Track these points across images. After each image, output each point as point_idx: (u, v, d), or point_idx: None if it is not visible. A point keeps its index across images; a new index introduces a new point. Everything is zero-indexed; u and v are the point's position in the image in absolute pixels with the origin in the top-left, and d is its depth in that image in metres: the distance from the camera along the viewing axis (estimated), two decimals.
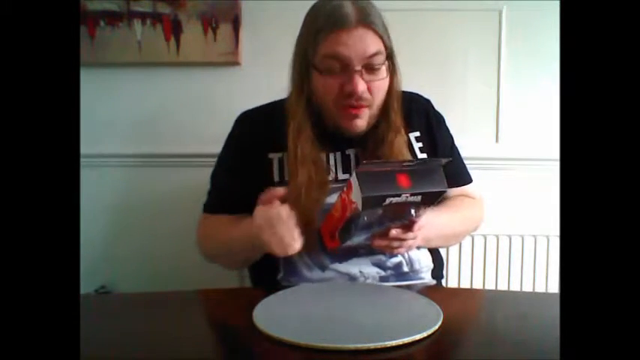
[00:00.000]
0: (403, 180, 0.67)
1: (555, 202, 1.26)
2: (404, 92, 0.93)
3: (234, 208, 0.90)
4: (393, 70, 0.87)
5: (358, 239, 0.77)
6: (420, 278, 0.93)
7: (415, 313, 0.68)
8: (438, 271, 0.97)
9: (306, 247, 0.81)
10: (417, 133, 0.96)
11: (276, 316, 0.64)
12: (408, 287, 0.89)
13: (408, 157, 0.90)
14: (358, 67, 0.81)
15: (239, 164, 0.94)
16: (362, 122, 0.86)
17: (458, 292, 1.08)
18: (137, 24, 1.37)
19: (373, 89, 0.84)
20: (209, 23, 1.37)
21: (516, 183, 1.43)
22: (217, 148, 1.32)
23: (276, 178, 0.90)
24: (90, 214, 1.31)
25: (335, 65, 0.82)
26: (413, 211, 0.74)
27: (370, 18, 0.82)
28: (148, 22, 1.37)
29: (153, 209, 1.43)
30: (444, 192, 0.71)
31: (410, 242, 0.79)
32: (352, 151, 0.92)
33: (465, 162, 1.09)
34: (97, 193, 1.41)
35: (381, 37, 0.83)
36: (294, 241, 0.76)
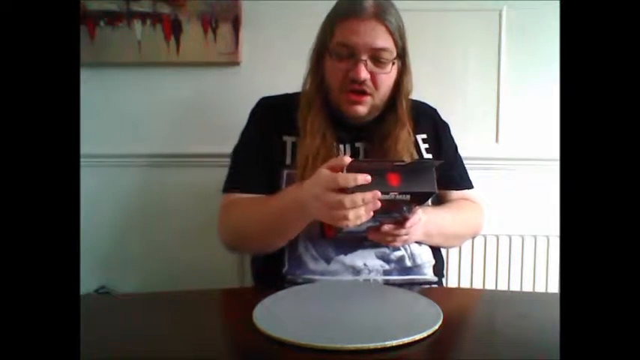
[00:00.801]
0: (393, 179, 0.69)
1: (555, 202, 1.26)
2: (412, 100, 0.97)
3: (252, 185, 0.92)
4: (403, 70, 0.92)
5: (352, 230, 0.78)
6: (423, 273, 0.94)
7: (415, 313, 0.68)
8: (439, 269, 0.98)
9: (309, 233, 0.86)
10: (424, 135, 1.00)
11: (276, 316, 0.64)
12: (411, 283, 0.90)
13: (413, 152, 0.94)
14: (364, 57, 0.86)
15: (257, 142, 0.96)
16: (362, 109, 0.90)
17: (458, 292, 1.09)
18: (137, 24, 1.37)
19: (376, 81, 0.89)
20: (209, 23, 1.37)
21: (516, 183, 1.43)
22: (217, 148, 1.33)
23: (287, 160, 0.93)
24: (90, 215, 1.31)
25: (344, 51, 0.87)
26: (405, 209, 0.75)
27: (386, 15, 0.87)
28: (148, 22, 1.37)
29: (153, 209, 1.43)
30: (433, 193, 0.72)
31: (403, 238, 0.81)
32: (362, 144, 0.95)
33: (465, 162, 1.09)
34: (97, 194, 1.41)
35: (392, 35, 0.87)
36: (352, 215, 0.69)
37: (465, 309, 0.79)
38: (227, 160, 0.99)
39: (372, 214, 0.69)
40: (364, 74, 0.86)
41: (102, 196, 1.42)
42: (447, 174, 0.99)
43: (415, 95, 0.98)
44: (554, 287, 1.41)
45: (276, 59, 1.40)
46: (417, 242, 0.92)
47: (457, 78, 1.42)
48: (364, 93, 0.89)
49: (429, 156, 0.98)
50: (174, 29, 1.37)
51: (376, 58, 0.87)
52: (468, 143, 1.13)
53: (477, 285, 1.43)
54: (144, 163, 1.43)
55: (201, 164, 1.41)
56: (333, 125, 0.92)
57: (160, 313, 0.73)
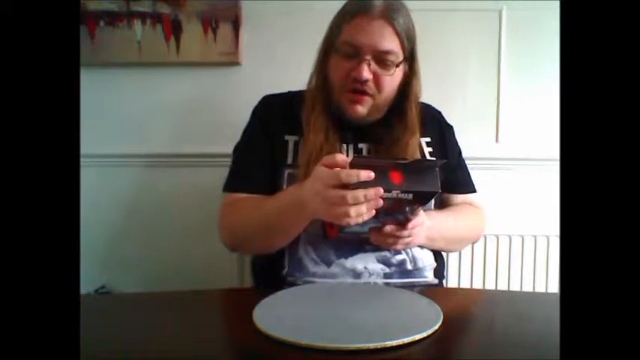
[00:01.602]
0: (395, 177, 0.68)
1: (555, 202, 1.26)
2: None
3: (253, 184, 0.91)
4: (411, 75, 0.92)
5: (355, 229, 0.78)
6: (424, 277, 0.93)
7: (415, 313, 0.68)
8: (440, 271, 0.97)
9: (310, 236, 0.86)
10: (428, 139, 0.99)
11: (276, 316, 0.64)
12: (411, 286, 0.90)
13: (418, 156, 0.92)
14: (368, 57, 0.85)
15: (258, 141, 0.95)
16: (362, 109, 0.89)
17: (458, 292, 1.09)
18: (137, 24, 1.37)
19: (379, 82, 0.88)
20: (209, 23, 1.37)
21: (516, 183, 1.43)
22: (218, 148, 1.33)
23: (289, 160, 0.92)
24: (90, 215, 1.31)
25: (349, 50, 0.86)
26: (408, 209, 0.74)
27: (394, 15, 0.86)
28: (148, 22, 1.37)
29: (153, 209, 1.43)
30: (436, 193, 0.71)
31: (406, 240, 0.81)
32: (365, 145, 0.94)
33: (466, 162, 1.09)
34: (97, 194, 1.41)
35: (399, 37, 0.86)
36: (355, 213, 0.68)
37: (465, 309, 0.79)
38: (227, 160, 0.99)
39: (373, 212, 0.69)
40: (366, 74, 0.85)
41: (102, 196, 1.42)
42: (451, 177, 0.98)
43: (420, 98, 0.97)
44: (554, 287, 1.41)
45: (276, 59, 1.40)
46: (418, 246, 0.91)
47: (457, 78, 1.42)
48: (364, 93, 0.88)
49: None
50: (174, 29, 1.37)
51: (381, 59, 0.86)
52: (468, 143, 1.13)
53: (477, 285, 1.43)
54: (144, 163, 1.43)
55: (201, 164, 1.41)
56: (336, 124, 0.91)
57: (160, 313, 0.73)
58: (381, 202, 0.68)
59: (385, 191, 0.67)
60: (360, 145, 0.94)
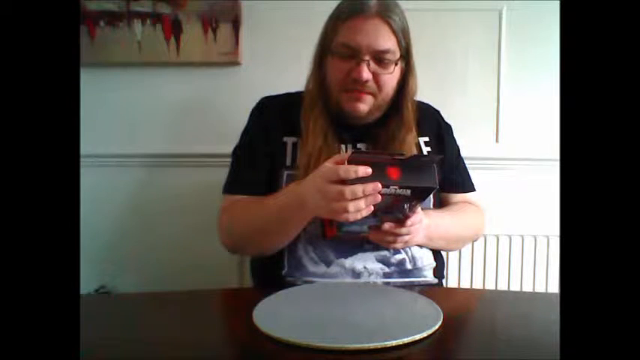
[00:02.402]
0: (393, 172, 0.68)
1: (555, 202, 1.26)
2: (416, 102, 0.96)
3: (252, 186, 0.91)
4: (408, 72, 0.92)
5: (354, 229, 0.78)
6: (423, 276, 0.93)
7: (415, 313, 0.68)
8: (440, 271, 0.97)
9: (309, 236, 0.86)
10: (427, 138, 0.99)
11: (276, 316, 0.64)
12: (411, 285, 0.90)
13: (415, 152, 0.92)
14: (366, 57, 0.85)
15: (257, 142, 0.95)
16: (364, 106, 0.89)
17: (458, 292, 1.09)
18: (137, 24, 1.37)
19: (379, 81, 0.88)
20: (209, 23, 1.37)
21: (516, 183, 1.43)
22: (217, 148, 1.33)
23: (288, 161, 0.92)
24: (90, 215, 1.31)
25: (347, 52, 0.86)
26: (406, 207, 0.74)
27: (390, 14, 0.86)
28: (148, 22, 1.37)
29: (153, 209, 1.43)
30: (434, 188, 0.71)
31: (405, 238, 0.81)
32: (364, 146, 0.94)
33: (465, 162, 1.09)
34: (97, 194, 1.41)
35: (395, 35, 0.86)
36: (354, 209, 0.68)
37: (465, 309, 0.79)
38: (227, 160, 0.99)
39: (372, 208, 0.69)
40: (366, 75, 0.85)
41: (102, 196, 1.42)
42: (450, 177, 0.98)
43: (416, 95, 0.97)
44: (554, 287, 1.41)
45: (276, 59, 1.40)
46: (417, 245, 0.91)
47: (457, 78, 1.42)
48: (366, 92, 0.88)
49: None
50: (174, 29, 1.37)
51: (379, 59, 0.86)
52: (468, 143, 1.13)
53: (477, 285, 1.43)
54: (144, 163, 1.43)
55: (201, 164, 1.41)
56: (335, 125, 0.91)
57: (160, 313, 0.73)
58: (379, 198, 0.68)
59: (383, 186, 0.67)
60: (359, 146, 0.94)
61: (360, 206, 0.68)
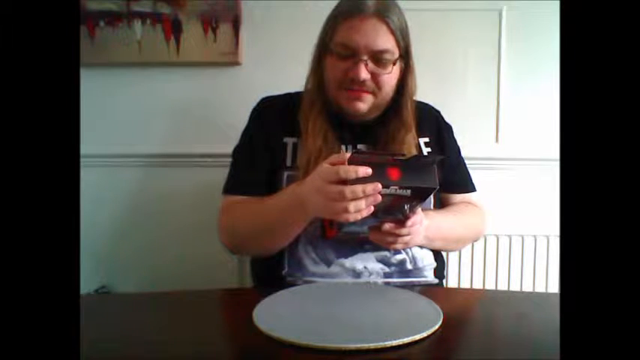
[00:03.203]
0: (393, 173, 0.68)
1: (555, 202, 1.26)
2: (415, 102, 0.96)
3: (252, 186, 0.91)
4: (407, 71, 0.92)
5: (354, 229, 0.78)
6: (424, 276, 0.93)
7: (415, 313, 0.68)
8: (440, 271, 0.97)
9: (309, 236, 0.87)
10: (427, 139, 0.99)
11: (276, 316, 0.64)
12: (411, 285, 0.90)
13: (415, 153, 0.92)
14: (364, 57, 0.85)
15: (257, 143, 0.95)
16: (363, 105, 0.89)
17: (458, 292, 1.09)
18: (137, 24, 1.37)
19: (378, 80, 0.88)
20: (209, 23, 1.37)
21: (516, 183, 1.43)
22: (217, 148, 1.33)
23: (288, 162, 0.92)
24: (90, 214, 1.31)
25: (345, 51, 0.86)
26: (407, 207, 0.74)
27: (388, 13, 0.85)
28: (148, 22, 1.37)
29: (153, 209, 1.43)
30: (434, 189, 0.71)
31: (405, 239, 0.80)
32: (363, 146, 0.94)
33: (465, 162, 1.09)
34: (97, 194, 1.41)
35: (394, 35, 0.86)
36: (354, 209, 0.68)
37: (465, 309, 0.79)
38: (227, 160, 0.99)
39: (372, 208, 0.69)
40: (364, 75, 0.85)
41: (102, 196, 1.42)
42: (450, 177, 0.98)
43: (415, 95, 0.97)
44: (554, 287, 1.41)
45: (276, 59, 1.40)
46: (418, 246, 0.91)
47: (457, 78, 1.42)
48: (364, 90, 0.88)
49: None
50: (174, 29, 1.37)
51: (377, 58, 0.86)
52: (467, 143, 1.13)
53: (477, 285, 1.43)
54: (144, 163, 1.43)
55: (201, 164, 1.41)
56: (334, 126, 0.91)
57: (160, 313, 0.73)
58: (379, 198, 0.68)
59: (383, 187, 0.67)
60: (359, 146, 0.94)
61: (360, 206, 0.68)
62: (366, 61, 0.85)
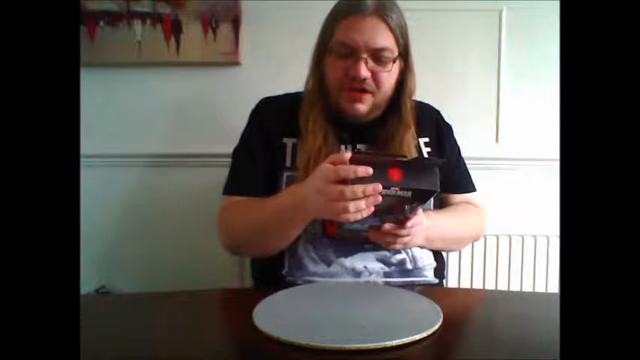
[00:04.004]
0: (395, 174, 0.68)
1: (555, 202, 1.26)
2: (415, 101, 0.96)
3: (252, 187, 0.91)
4: (406, 70, 0.91)
5: (354, 227, 0.78)
6: (424, 276, 0.93)
7: (415, 313, 0.68)
8: (440, 271, 0.97)
9: (309, 235, 0.87)
10: (427, 139, 0.99)
11: (276, 316, 0.64)
12: (411, 285, 0.90)
13: (415, 153, 0.92)
14: (364, 55, 0.85)
15: (257, 144, 0.95)
16: (363, 107, 0.89)
17: (458, 292, 1.09)
18: (137, 24, 1.37)
19: (378, 79, 0.87)
20: (209, 23, 1.37)
21: (516, 183, 1.43)
22: (217, 148, 1.33)
23: (287, 162, 0.92)
24: (90, 215, 1.31)
25: (345, 50, 0.86)
26: (407, 208, 0.74)
27: (387, 12, 0.86)
28: (148, 22, 1.37)
29: (153, 209, 1.43)
30: (435, 191, 0.71)
31: (405, 239, 0.80)
32: (364, 146, 0.93)
33: (466, 162, 1.09)
34: (97, 194, 1.41)
35: (393, 33, 0.86)
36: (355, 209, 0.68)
37: (465, 309, 0.79)
38: (227, 160, 0.99)
39: (372, 209, 0.69)
40: (364, 72, 0.85)
41: (102, 196, 1.42)
42: (450, 177, 0.98)
43: (415, 95, 0.97)
44: (554, 287, 1.41)
45: (276, 59, 1.40)
46: (418, 246, 0.91)
47: (457, 78, 1.42)
48: (364, 91, 0.88)
49: None
50: (174, 29, 1.37)
51: (377, 56, 0.86)
52: (467, 143, 1.13)
53: (477, 285, 1.43)
54: (144, 163, 1.43)
55: (201, 164, 1.41)
56: (334, 126, 0.91)
57: (160, 313, 0.73)
58: (380, 199, 0.68)
59: (384, 188, 0.67)
60: (359, 146, 0.94)
61: (360, 206, 0.68)
62: (366, 59, 0.85)
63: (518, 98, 1.43)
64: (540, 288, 1.42)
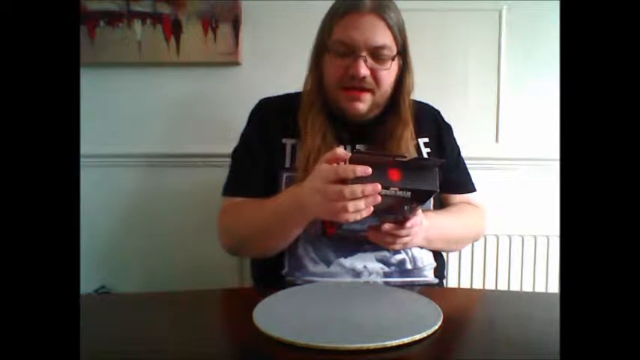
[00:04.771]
0: (394, 174, 0.68)
1: (555, 202, 1.26)
2: (414, 101, 0.96)
3: (252, 188, 0.91)
4: (405, 68, 0.92)
5: (353, 227, 0.77)
6: (423, 276, 0.93)
7: (415, 313, 0.68)
8: (440, 271, 0.97)
9: (309, 236, 0.87)
10: (426, 139, 0.99)
11: (276, 316, 0.64)
12: (411, 285, 0.90)
13: (414, 152, 0.92)
14: (363, 53, 0.85)
15: (256, 145, 0.95)
16: (362, 105, 0.89)
17: (458, 292, 1.09)
18: (137, 24, 1.37)
19: (377, 77, 0.88)
20: (209, 23, 1.37)
21: (516, 183, 1.43)
22: (217, 148, 1.33)
23: (287, 163, 0.92)
24: (90, 215, 1.31)
25: (343, 49, 0.86)
26: (406, 209, 0.74)
27: (385, 10, 0.86)
28: (148, 22, 1.37)
29: (153, 209, 1.43)
30: (435, 192, 0.71)
31: (404, 240, 0.80)
32: (363, 146, 0.93)
33: (465, 162, 1.09)
34: (98, 194, 1.41)
35: (391, 31, 0.86)
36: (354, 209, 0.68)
37: (465, 309, 0.79)
38: (227, 160, 0.99)
39: (371, 209, 0.69)
40: (364, 71, 0.85)
41: (102, 196, 1.42)
42: (449, 177, 0.98)
43: (415, 95, 0.97)
44: (554, 287, 1.41)
45: (276, 59, 1.40)
46: (417, 246, 0.91)
47: (457, 78, 1.42)
48: (364, 89, 0.88)
49: None
50: (174, 29, 1.37)
51: (376, 54, 0.86)
52: (468, 143, 1.13)
53: (477, 285, 1.43)
54: (144, 163, 1.43)
55: (201, 164, 1.41)
56: (333, 125, 0.91)
57: (160, 313, 0.73)
58: (379, 199, 0.68)
59: (383, 188, 0.67)
60: (358, 146, 0.94)
61: (359, 206, 0.68)
62: (365, 57, 0.85)
63: (518, 98, 1.43)
64: (540, 288, 1.42)
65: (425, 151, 0.98)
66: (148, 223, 1.43)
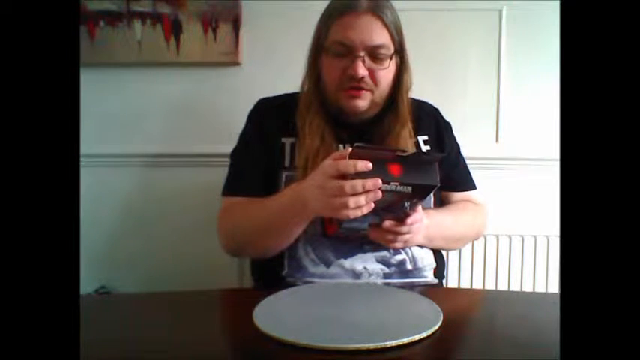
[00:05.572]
0: (394, 169, 0.68)
1: (555, 202, 1.26)
2: (414, 99, 0.96)
3: (251, 188, 0.91)
4: (402, 66, 0.91)
5: (354, 225, 0.77)
6: (424, 276, 0.93)
7: (415, 313, 0.68)
8: (440, 271, 0.97)
9: (309, 237, 0.86)
10: (426, 137, 0.99)
11: (276, 316, 0.64)
12: (411, 285, 0.90)
13: (413, 150, 0.92)
14: (361, 53, 0.85)
15: (255, 144, 0.95)
16: (362, 102, 0.89)
17: (458, 292, 1.09)
18: (137, 24, 1.37)
19: (375, 76, 0.88)
20: (209, 23, 1.37)
21: (516, 183, 1.43)
22: (217, 148, 1.33)
23: (286, 163, 0.92)
24: (89, 215, 1.31)
25: (341, 50, 0.86)
26: (407, 205, 0.74)
27: (381, 9, 0.86)
28: (148, 22, 1.37)
29: (153, 209, 1.43)
30: (435, 187, 0.71)
31: (405, 237, 0.81)
32: (362, 145, 0.92)
33: (465, 161, 1.09)
34: (98, 194, 1.41)
35: (388, 30, 0.86)
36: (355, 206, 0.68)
37: (465, 309, 0.79)
38: (227, 160, 0.99)
39: (372, 205, 0.69)
40: (362, 71, 0.85)
41: (101, 196, 1.42)
42: (450, 175, 0.98)
43: (415, 95, 0.97)
44: (554, 287, 1.41)
45: (276, 59, 1.40)
46: (418, 245, 0.91)
47: (457, 78, 1.42)
48: (363, 88, 0.88)
49: None
50: (175, 29, 1.37)
51: (374, 54, 0.86)
52: (468, 143, 1.13)
53: (477, 285, 1.43)
54: (143, 163, 1.43)
55: (201, 164, 1.41)
56: (332, 125, 0.91)
57: (160, 313, 0.73)
58: (379, 194, 0.67)
59: (384, 183, 0.67)
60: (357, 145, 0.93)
61: (360, 202, 0.67)
62: (363, 57, 0.85)
63: (518, 98, 1.43)
64: (540, 288, 1.42)
65: (424, 148, 0.98)
66: (148, 223, 1.43)
